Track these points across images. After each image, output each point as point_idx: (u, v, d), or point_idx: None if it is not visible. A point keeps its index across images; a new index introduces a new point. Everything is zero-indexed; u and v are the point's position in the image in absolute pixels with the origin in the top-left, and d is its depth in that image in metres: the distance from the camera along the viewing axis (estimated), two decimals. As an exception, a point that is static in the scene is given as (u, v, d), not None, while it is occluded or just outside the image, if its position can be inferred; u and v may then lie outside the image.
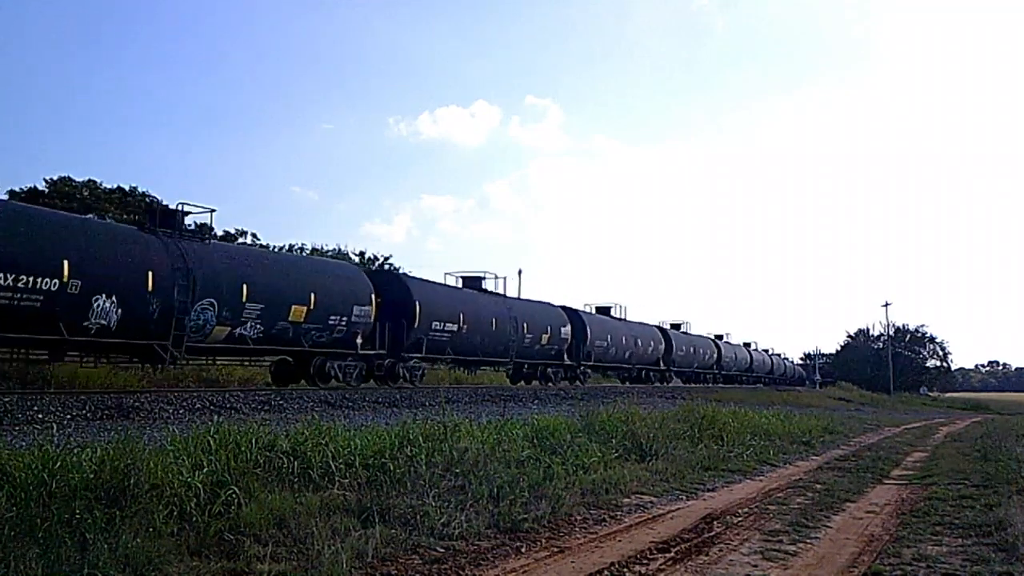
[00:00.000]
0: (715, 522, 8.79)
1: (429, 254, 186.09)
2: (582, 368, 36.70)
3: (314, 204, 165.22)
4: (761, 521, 8.97)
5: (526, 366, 32.86)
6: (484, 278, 30.88)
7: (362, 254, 55.29)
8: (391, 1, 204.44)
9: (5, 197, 29.75)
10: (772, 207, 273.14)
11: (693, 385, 47.58)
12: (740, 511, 9.56)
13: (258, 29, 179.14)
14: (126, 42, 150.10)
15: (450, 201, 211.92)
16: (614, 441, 13.08)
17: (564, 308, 36.10)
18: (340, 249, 54.31)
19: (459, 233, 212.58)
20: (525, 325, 30.97)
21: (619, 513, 9.18)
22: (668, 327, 50.19)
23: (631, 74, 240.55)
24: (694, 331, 57.38)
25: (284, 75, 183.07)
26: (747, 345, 72.44)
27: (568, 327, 34.69)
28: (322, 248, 53.20)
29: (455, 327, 26.45)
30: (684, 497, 10.54)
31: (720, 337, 61.76)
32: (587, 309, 39.85)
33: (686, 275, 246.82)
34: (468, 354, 28.20)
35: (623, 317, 43.09)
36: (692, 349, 51.91)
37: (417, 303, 24.68)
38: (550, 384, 33.33)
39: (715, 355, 57.24)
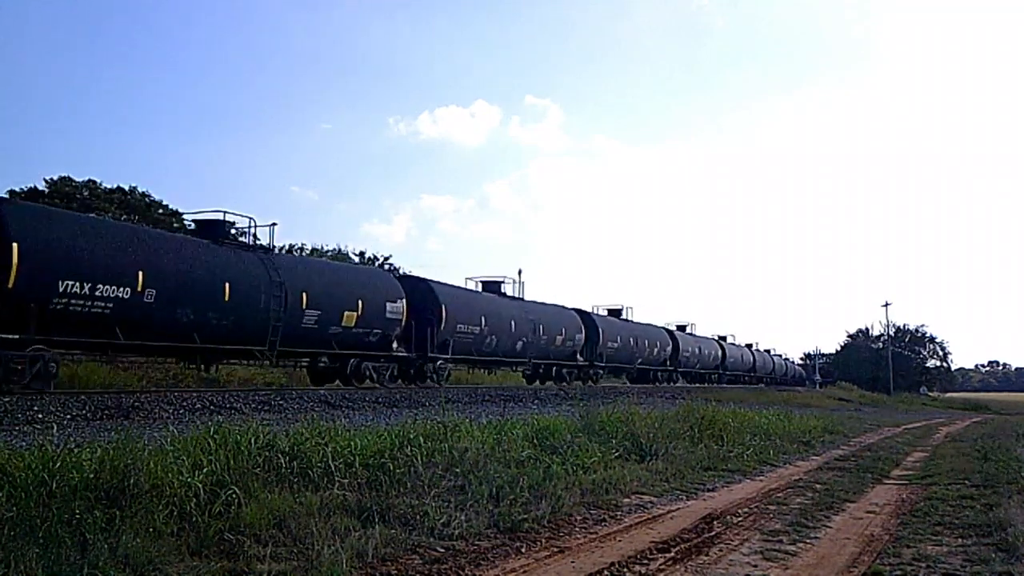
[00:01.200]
0: (715, 522, 8.79)
1: (429, 254, 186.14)
2: (440, 363, 26.71)
3: (314, 204, 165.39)
4: (761, 521, 8.97)
5: (324, 360, 23.11)
6: (224, 222, 20.63)
7: (362, 254, 55.26)
8: (391, 1, 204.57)
9: (5, 195, 29.71)
10: (772, 207, 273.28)
11: (638, 385, 40.84)
12: (740, 511, 9.56)
13: (257, 29, 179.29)
14: (126, 42, 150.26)
15: (450, 201, 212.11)
16: (614, 441, 13.08)
17: (402, 277, 27.83)
18: (340, 249, 54.28)
19: (459, 233, 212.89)
20: (304, 297, 20.98)
21: (619, 513, 9.18)
22: (605, 312, 42.11)
23: (631, 74, 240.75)
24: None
25: (283, 75, 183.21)
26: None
27: (402, 303, 24.71)
28: (322, 248, 53.18)
29: (125, 293, 16.54)
30: (684, 497, 10.54)
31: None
32: (477, 289, 31.42)
33: (686, 275, 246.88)
34: (166, 337, 18.14)
35: (519, 296, 34.04)
36: (633, 341, 43.09)
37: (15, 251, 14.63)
38: (376, 385, 23.51)
39: (669, 350, 48.46)
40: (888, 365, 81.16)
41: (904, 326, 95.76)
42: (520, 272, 34.16)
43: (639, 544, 7.54)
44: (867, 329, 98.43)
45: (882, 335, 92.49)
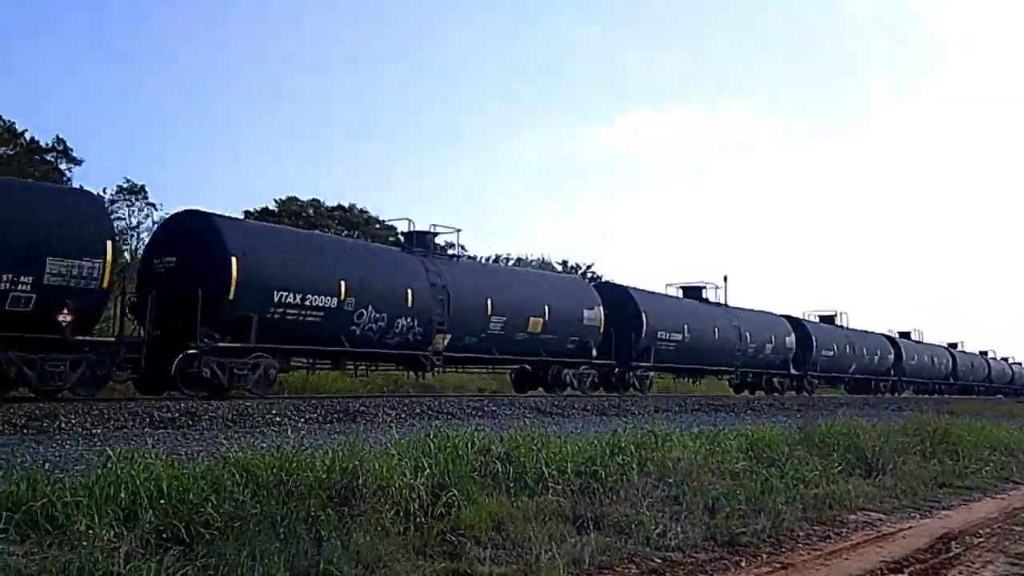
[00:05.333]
0: (953, 542, 8.17)
1: (626, 261, 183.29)
2: (641, 370, 27.36)
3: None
4: (1006, 542, 8.27)
5: (527, 366, 24.48)
6: (412, 233, 21.72)
7: (564, 263, 55.88)
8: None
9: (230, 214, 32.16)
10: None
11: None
12: (981, 531, 8.86)
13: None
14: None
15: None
16: (835, 455, 12.44)
17: (599, 284, 29.30)
18: (543, 259, 55.06)
19: (655, 238, 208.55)
20: (489, 303, 21.25)
21: (844, 530, 8.73)
22: (816, 319, 40.77)
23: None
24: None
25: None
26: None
27: (599, 310, 25.09)
28: (526, 258, 54.18)
29: (331, 303, 17.41)
30: (916, 515, 9.88)
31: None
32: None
33: (909, 278, 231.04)
34: (365, 343, 18.64)
35: (723, 302, 32.79)
36: (849, 348, 40.50)
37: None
38: (578, 393, 24.26)
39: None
40: None
41: None
42: (726, 279, 32.60)
43: (868, 563, 7.12)
44: None
45: None
